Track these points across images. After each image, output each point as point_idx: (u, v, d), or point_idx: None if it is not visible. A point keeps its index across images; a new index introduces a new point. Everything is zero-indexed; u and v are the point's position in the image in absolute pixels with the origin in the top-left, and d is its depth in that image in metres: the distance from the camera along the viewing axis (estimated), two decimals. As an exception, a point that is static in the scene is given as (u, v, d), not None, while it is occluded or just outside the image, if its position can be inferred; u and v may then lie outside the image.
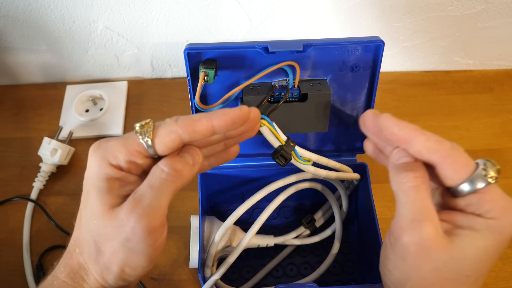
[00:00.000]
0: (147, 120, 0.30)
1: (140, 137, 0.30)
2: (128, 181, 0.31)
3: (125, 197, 0.31)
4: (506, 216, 0.30)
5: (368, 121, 0.33)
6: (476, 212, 0.31)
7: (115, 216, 0.30)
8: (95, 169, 0.31)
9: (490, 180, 0.30)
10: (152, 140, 0.30)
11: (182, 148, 0.32)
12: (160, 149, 0.30)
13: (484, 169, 0.30)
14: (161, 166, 0.30)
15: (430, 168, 0.32)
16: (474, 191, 0.31)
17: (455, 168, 0.31)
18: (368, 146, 0.37)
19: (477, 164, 0.31)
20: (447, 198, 0.33)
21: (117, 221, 0.30)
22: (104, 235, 0.30)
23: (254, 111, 0.32)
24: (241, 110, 0.31)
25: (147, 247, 0.30)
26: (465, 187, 0.31)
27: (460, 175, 0.31)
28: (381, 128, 0.32)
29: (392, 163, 0.32)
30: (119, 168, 0.31)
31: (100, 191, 0.30)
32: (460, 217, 0.31)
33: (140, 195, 0.30)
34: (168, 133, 0.30)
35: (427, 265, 0.30)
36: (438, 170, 0.31)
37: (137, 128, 0.30)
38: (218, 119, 0.30)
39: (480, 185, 0.30)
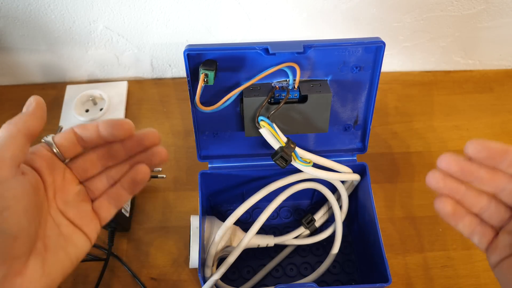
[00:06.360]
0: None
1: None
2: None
3: None
4: None
5: (446, 161, 0.32)
6: None
7: None
8: None
9: None
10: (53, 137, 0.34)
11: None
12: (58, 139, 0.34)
13: None
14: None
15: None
16: None
17: None
18: (446, 203, 0.33)
19: None
20: None
21: None
22: None
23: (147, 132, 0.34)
24: (123, 121, 0.34)
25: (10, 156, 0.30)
26: None
27: None
28: (475, 152, 0.31)
29: None
30: None
31: None
32: None
33: None
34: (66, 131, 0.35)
35: None
36: None
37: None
38: (104, 123, 0.34)
39: None
